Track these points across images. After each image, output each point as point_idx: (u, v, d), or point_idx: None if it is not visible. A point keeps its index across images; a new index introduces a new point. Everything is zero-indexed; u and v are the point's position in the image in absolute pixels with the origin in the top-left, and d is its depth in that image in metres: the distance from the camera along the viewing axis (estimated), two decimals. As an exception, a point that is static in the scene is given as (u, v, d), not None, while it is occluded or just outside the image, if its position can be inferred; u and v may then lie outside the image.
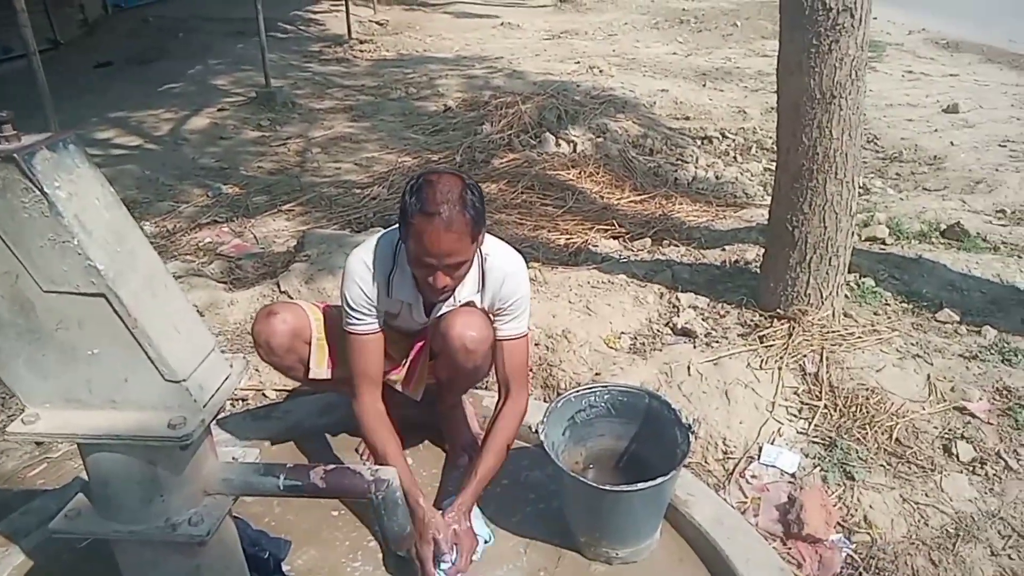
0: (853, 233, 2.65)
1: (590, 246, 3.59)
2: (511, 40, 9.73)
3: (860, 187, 2.79)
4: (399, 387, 2.12)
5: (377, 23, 10.43)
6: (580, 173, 4.65)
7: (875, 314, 2.73)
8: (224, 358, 1.29)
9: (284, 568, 1.77)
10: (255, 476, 1.28)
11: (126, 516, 1.23)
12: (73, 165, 1.08)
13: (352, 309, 1.88)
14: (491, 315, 1.95)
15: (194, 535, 1.22)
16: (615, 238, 3.71)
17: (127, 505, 1.23)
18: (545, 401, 2.49)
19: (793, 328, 2.59)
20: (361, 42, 9.17)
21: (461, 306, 1.92)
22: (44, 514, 1.92)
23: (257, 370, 2.59)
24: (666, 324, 2.76)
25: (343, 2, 9.45)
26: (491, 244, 1.92)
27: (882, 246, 3.32)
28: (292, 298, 3.01)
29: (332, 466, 1.29)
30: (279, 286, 3.09)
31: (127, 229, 1.15)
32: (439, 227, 1.66)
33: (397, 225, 1.83)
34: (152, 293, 1.15)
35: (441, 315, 1.94)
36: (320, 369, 2.04)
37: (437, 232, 1.66)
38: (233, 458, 1.38)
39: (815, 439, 2.21)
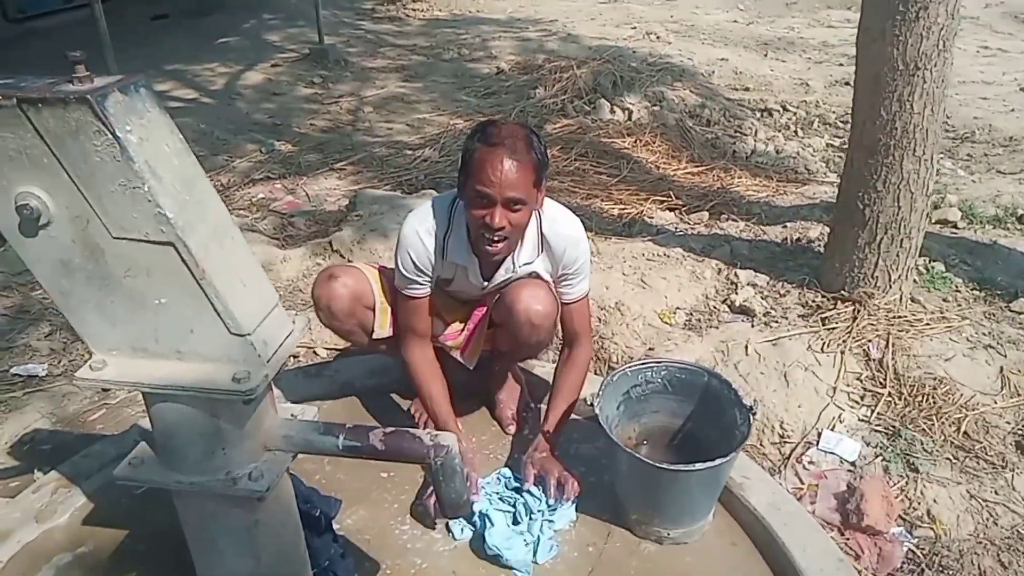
0: (927, 215, 2.53)
1: (645, 217, 3.50)
2: (565, 3, 9.50)
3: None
4: (455, 354, 2.09)
5: (430, -18, 10.28)
6: (635, 142, 4.54)
7: (945, 301, 2.61)
8: (287, 314, 1.27)
9: (334, 526, 1.77)
10: (315, 434, 1.27)
11: (188, 467, 1.23)
12: (144, 109, 1.05)
13: (404, 274, 1.88)
14: (555, 281, 1.92)
15: (254, 490, 1.21)
16: (671, 210, 3.62)
17: (189, 457, 1.22)
18: (596, 374, 2.45)
19: (858, 311, 2.49)
20: (414, 1, 9.06)
21: (525, 277, 1.89)
22: (104, 458, 1.96)
23: (310, 328, 2.60)
24: (723, 301, 2.69)
25: (397, -40, 9.32)
26: (550, 208, 1.89)
27: (953, 230, 3.18)
28: (344, 257, 3.01)
29: (391, 429, 1.27)
30: (331, 245, 3.09)
31: (196, 178, 1.12)
32: (502, 154, 1.67)
33: (451, 190, 1.83)
34: (220, 244, 1.12)
35: (506, 287, 1.91)
36: (383, 330, 2.03)
37: (499, 159, 1.66)
38: (292, 415, 1.36)
39: (877, 428, 2.14)
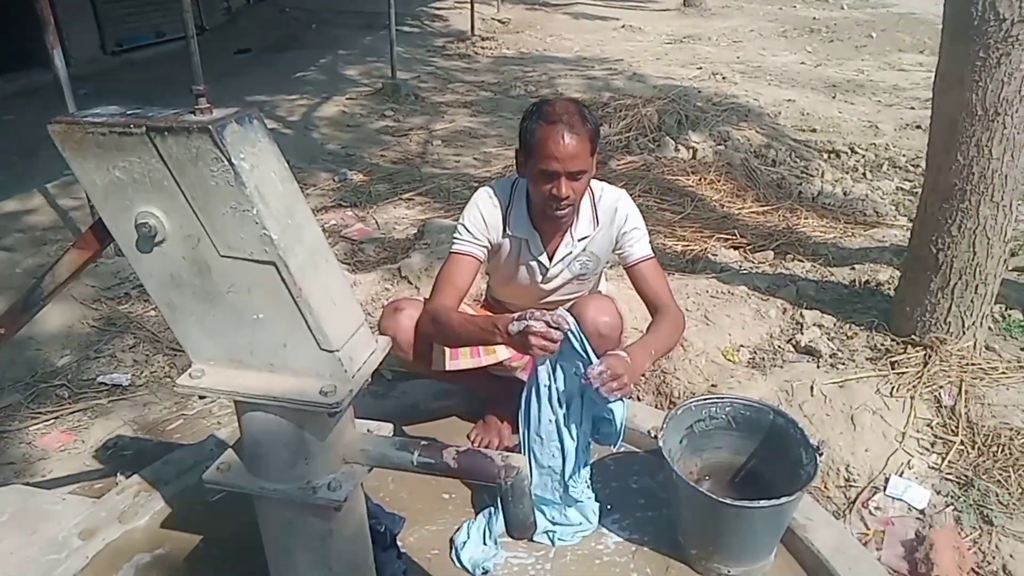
0: (1004, 261, 2.47)
1: (709, 254, 3.51)
2: (632, 43, 9.65)
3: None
4: (519, 374, 2.13)
5: (499, 21, 10.58)
6: (700, 180, 4.55)
7: (1022, 350, 2.53)
8: (371, 333, 1.34)
9: (398, 543, 1.82)
10: (391, 449, 1.32)
11: (272, 475, 1.30)
12: (256, 139, 1.14)
13: (464, 229, 1.98)
14: (615, 247, 2.02)
15: (332, 499, 1.27)
16: (735, 248, 3.61)
17: (274, 465, 1.29)
18: (657, 408, 2.46)
19: (929, 357, 2.44)
20: (483, 39, 9.33)
21: (591, 294, 1.95)
22: (182, 465, 2.06)
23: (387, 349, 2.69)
24: (788, 340, 2.67)
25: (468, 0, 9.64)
26: (596, 183, 2.02)
27: (1032, 278, 3.08)
28: (412, 283, 3.10)
29: (465, 447, 1.31)
30: (400, 271, 3.19)
31: (297, 203, 1.21)
32: (562, 130, 1.77)
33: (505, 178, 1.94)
34: (315, 265, 1.20)
35: (572, 303, 1.97)
36: (446, 362, 2.07)
37: (560, 135, 1.77)
38: (368, 430, 1.43)
39: (949, 476, 2.08)
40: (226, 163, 1.08)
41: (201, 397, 2.43)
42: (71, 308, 3.06)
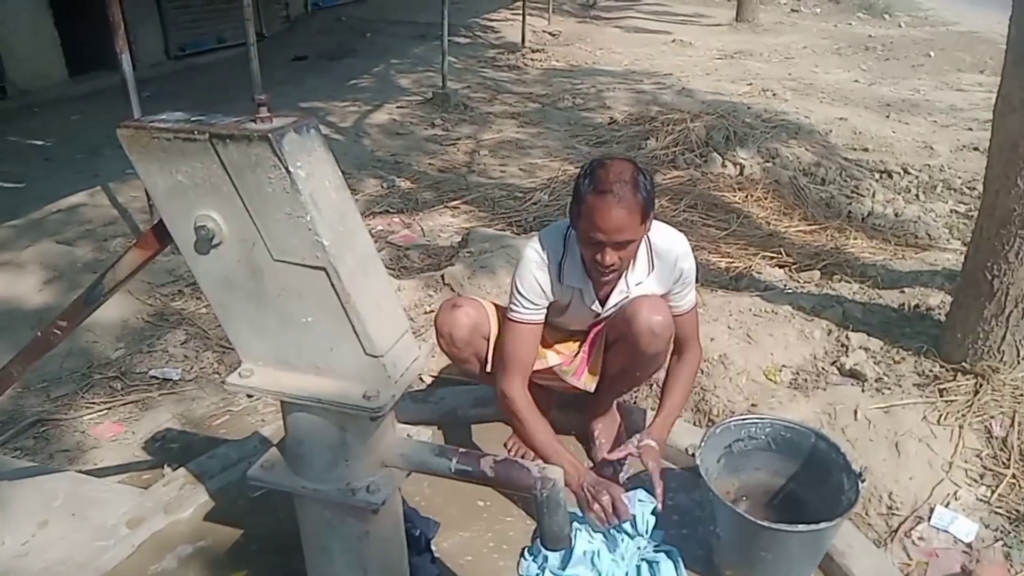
0: (1063, 290, 2.39)
1: (753, 272, 3.47)
2: (682, 57, 9.60)
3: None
4: (572, 380, 2.13)
5: (550, 33, 10.63)
6: (747, 196, 4.51)
7: (1080, 382, 2.44)
8: (415, 340, 1.36)
9: (432, 548, 1.84)
10: (430, 455, 1.35)
11: (313, 475, 1.33)
12: (313, 148, 1.18)
13: (522, 296, 1.95)
14: (667, 295, 2.00)
15: (371, 502, 1.30)
16: (781, 267, 3.57)
17: (315, 465, 1.32)
18: (695, 425, 2.44)
19: (980, 385, 2.37)
20: (534, 51, 9.38)
21: (641, 295, 1.96)
22: (226, 461, 2.12)
23: (430, 356, 2.73)
24: (832, 363, 2.62)
25: (520, 12, 9.70)
26: (656, 228, 1.97)
27: (1093, 308, 2.97)
28: (454, 291, 3.13)
29: (502, 457, 1.33)
30: (443, 278, 3.22)
31: (348, 211, 1.24)
32: (611, 203, 1.73)
33: (562, 219, 1.95)
34: (364, 272, 1.23)
35: (623, 303, 1.98)
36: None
37: (609, 208, 1.73)
38: (408, 435, 1.45)
39: (999, 510, 2.02)
40: (283, 171, 1.11)
41: (249, 396, 2.50)
42: (127, 302, 3.18)
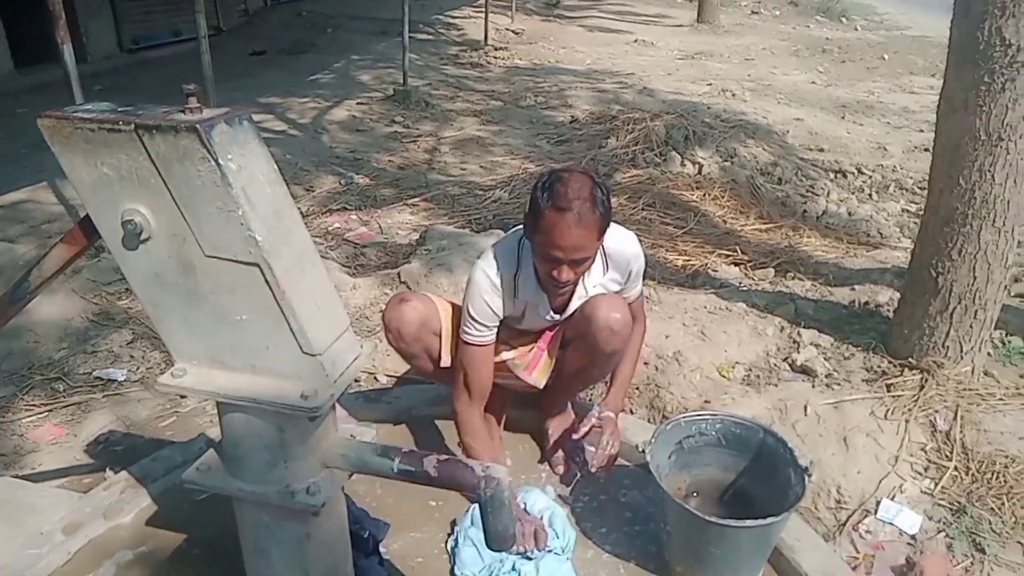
0: (1005, 287, 2.45)
1: (709, 270, 3.50)
2: (644, 57, 9.66)
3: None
4: (523, 375, 2.10)
5: (513, 32, 10.61)
6: (704, 195, 4.55)
7: (1021, 377, 2.51)
8: (356, 338, 1.33)
9: (381, 549, 1.81)
10: (371, 456, 1.32)
11: (251, 477, 1.30)
12: (245, 140, 1.14)
13: (473, 320, 1.92)
14: (621, 291, 2.03)
15: (310, 504, 1.27)
16: (736, 265, 3.60)
17: (253, 466, 1.29)
18: (649, 422, 2.45)
19: (925, 380, 2.41)
20: (496, 49, 9.35)
21: (598, 294, 1.96)
22: (170, 463, 2.06)
23: (375, 354, 2.68)
24: (784, 359, 2.65)
25: (483, 9, 9.67)
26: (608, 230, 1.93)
27: (1034, 305, 3.05)
28: (411, 288, 3.10)
29: (446, 457, 1.30)
30: (399, 276, 3.19)
31: (285, 206, 1.20)
32: (570, 222, 1.70)
33: (516, 228, 1.92)
34: (301, 269, 1.20)
35: (583, 301, 1.98)
36: (450, 358, 2.08)
37: (568, 227, 1.71)
38: (351, 435, 1.42)
39: (941, 502, 2.06)
40: (213, 163, 1.08)
41: (182, 397, 2.44)
42: (71, 301, 3.08)
